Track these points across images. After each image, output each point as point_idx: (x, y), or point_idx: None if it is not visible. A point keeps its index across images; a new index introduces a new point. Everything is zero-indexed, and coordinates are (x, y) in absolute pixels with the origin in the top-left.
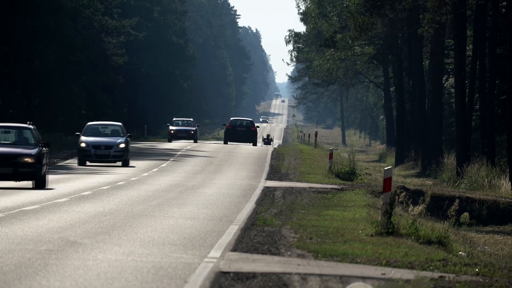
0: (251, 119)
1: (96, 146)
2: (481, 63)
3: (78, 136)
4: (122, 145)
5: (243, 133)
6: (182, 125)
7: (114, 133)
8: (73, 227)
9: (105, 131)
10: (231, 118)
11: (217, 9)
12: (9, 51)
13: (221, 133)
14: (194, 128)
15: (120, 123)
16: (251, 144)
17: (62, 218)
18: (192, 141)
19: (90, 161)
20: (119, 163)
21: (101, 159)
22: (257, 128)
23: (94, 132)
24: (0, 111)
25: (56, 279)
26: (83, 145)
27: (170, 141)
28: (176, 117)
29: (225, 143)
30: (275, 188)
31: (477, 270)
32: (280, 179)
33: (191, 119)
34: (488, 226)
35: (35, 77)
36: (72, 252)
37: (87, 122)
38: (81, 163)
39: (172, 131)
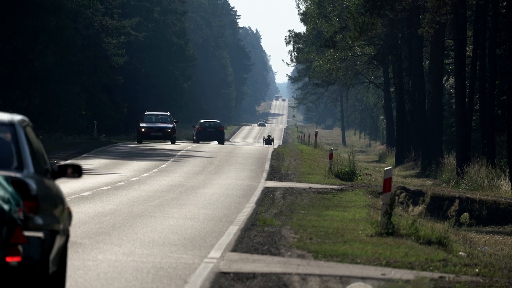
0: (218, 121)
1: None
2: (481, 64)
3: None
4: None
5: (212, 133)
6: (156, 121)
7: None
8: (73, 228)
9: None
10: (201, 121)
11: (217, 10)
12: (9, 51)
13: None
14: (171, 125)
15: None
16: (217, 142)
17: None
18: (169, 141)
19: None
20: None
21: None
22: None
23: None
24: (0, 111)
25: None
26: None
27: (140, 141)
28: (148, 111)
29: (197, 142)
30: (275, 189)
31: (477, 270)
32: (280, 180)
33: (168, 113)
34: (488, 226)
35: (35, 77)
36: (72, 252)
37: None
38: None
39: (143, 129)
